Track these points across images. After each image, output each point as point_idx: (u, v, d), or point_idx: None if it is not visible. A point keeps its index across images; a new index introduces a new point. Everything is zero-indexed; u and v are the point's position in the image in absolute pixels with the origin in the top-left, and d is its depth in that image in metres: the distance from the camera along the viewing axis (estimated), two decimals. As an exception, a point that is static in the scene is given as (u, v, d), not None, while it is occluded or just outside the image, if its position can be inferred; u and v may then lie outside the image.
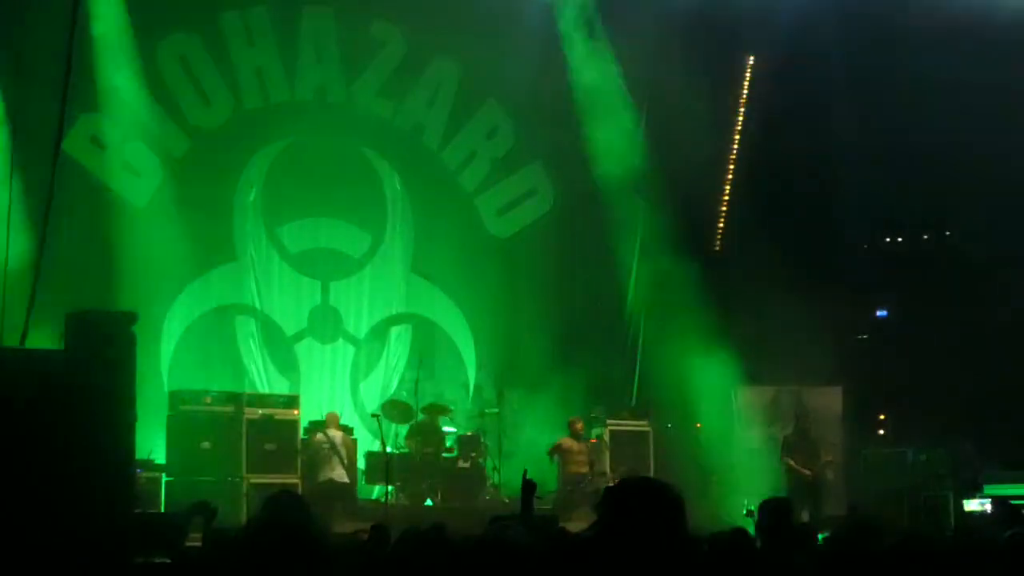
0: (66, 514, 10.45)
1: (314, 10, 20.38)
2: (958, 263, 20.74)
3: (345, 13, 20.31)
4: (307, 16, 20.34)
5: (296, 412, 18.17)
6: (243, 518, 15.16)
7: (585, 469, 18.54)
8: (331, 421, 17.85)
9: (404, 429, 18.88)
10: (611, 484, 4.31)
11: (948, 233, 22.16)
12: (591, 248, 20.68)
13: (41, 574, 7.97)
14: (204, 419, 17.44)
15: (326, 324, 20.50)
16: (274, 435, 17.61)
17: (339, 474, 17.40)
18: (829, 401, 20.92)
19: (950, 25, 18.01)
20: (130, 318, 14.60)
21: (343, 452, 17.53)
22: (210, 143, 19.70)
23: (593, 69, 20.60)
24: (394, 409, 18.95)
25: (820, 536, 9.14)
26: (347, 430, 18.45)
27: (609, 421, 19.90)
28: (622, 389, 20.71)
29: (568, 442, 18.81)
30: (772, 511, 7.37)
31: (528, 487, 8.28)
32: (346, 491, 16.33)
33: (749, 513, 12.91)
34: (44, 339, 15.06)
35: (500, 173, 21.63)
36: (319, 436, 17.55)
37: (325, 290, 20.58)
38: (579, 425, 18.97)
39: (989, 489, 17.61)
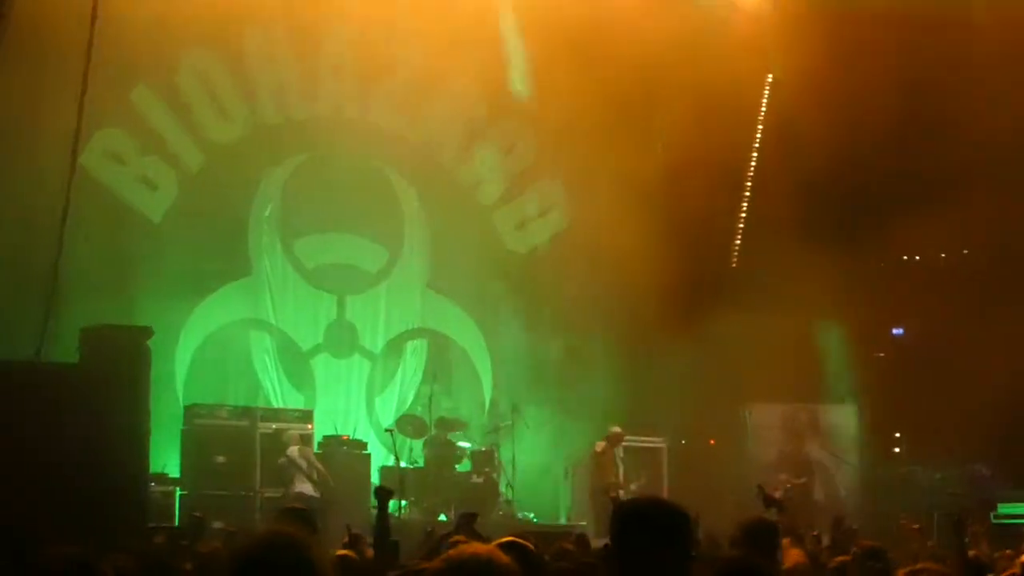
0: (79, 526, 10.46)
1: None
2: (976, 281, 20.63)
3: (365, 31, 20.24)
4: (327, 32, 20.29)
5: (310, 427, 18.21)
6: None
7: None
8: (290, 439, 17.73)
9: (419, 444, 18.89)
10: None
11: (966, 251, 22.06)
12: (607, 264, 20.63)
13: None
14: (218, 433, 17.53)
15: (342, 339, 20.46)
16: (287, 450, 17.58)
17: (306, 488, 17.22)
18: (844, 419, 20.87)
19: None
20: (145, 332, 14.70)
21: (303, 466, 17.45)
22: (226, 158, 19.70)
23: None
24: (409, 424, 18.96)
25: None
26: (360, 445, 18.48)
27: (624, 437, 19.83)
28: (636, 405, 20.63)
29: None
30: None
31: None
32: (316, 504, 15.94)
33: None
34: (59, 353, 15.15)
35: (518, 189, 21.63)
36: (281, 459, 17.48)
37: (341, 305, 20.55)
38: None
39: (1004, 508, 17.54)
